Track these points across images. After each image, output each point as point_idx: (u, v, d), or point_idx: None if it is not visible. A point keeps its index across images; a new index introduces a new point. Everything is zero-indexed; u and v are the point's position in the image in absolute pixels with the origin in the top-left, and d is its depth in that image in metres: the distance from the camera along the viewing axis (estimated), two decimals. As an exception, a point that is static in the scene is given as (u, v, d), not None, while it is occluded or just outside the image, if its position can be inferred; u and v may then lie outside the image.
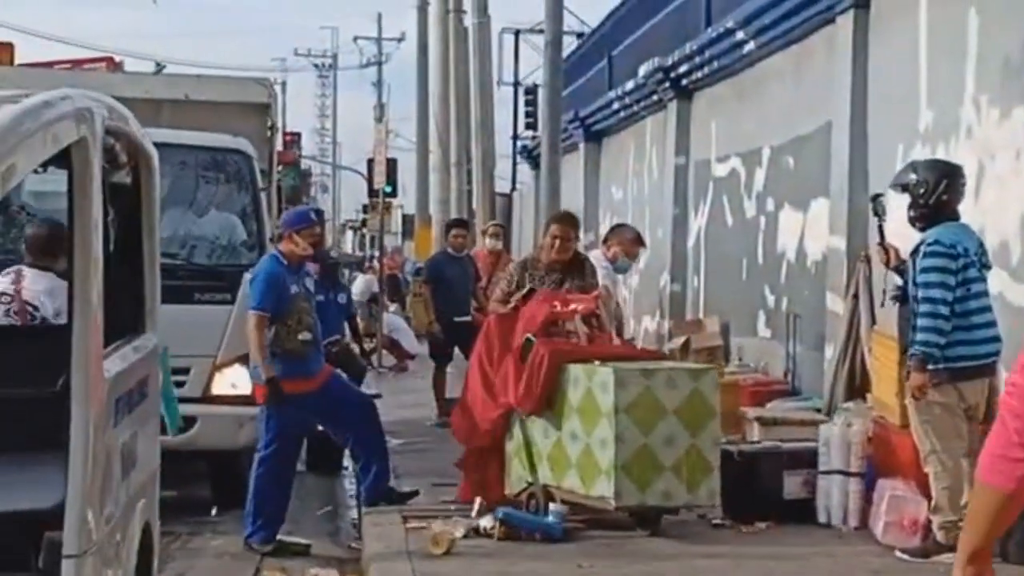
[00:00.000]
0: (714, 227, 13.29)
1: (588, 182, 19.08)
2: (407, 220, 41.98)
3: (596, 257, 9.26)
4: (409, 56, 30.67)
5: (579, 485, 6.99)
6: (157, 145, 4.74)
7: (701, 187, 13.70)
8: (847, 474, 7.31)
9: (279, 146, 14.71)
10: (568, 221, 8.10)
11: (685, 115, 14.16)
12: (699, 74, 13.41)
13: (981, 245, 6.58)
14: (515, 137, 38.10)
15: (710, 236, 13.45)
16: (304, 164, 43.61)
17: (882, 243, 6.98)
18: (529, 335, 7.32)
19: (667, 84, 14.23)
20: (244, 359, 7.96)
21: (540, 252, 8.02)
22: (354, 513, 8.96)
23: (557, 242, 7.77)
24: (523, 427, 7.40)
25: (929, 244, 6.37)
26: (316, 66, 63.83)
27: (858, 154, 9.40)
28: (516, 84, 38.96)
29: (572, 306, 7.46)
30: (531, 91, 34.27)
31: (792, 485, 7.53)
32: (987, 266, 6.54)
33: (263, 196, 8.89)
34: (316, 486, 9.89)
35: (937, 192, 6.44)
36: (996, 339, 6.46)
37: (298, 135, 39.89)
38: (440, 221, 21.81)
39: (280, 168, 17.47)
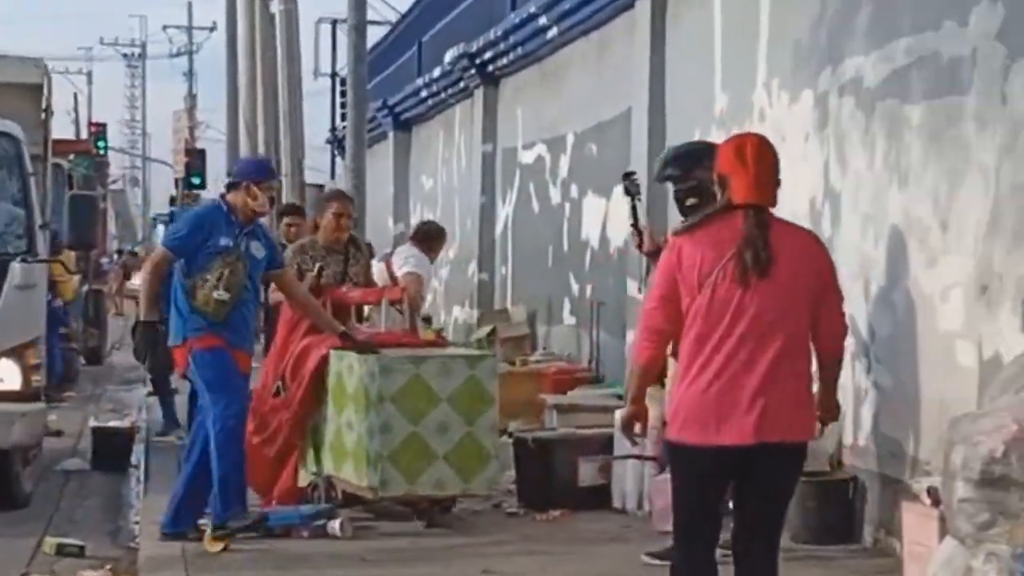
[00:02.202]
0: (521, 215, 13.19)
1: (398, 171, 18.84)
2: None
3: (406, 251, 9.03)
4: (221, 46, 29.95)
5: (352, 475, 6.78)
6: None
7: (508, 175, 13.59)
8: (642, 459, 7.24)
9: (70, 134, 14.01)
10: (347, 198, 7.87)
11: (492, 102, 14.04)
12: (504, 60, 13.29)
13: None
14: (333, 129, 37.60)
15: (517, 224, 13.35)
16: (111, 156, 42.25)
17: (635, 225, 6.51)
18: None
19: (473, 71, 14.08)
20: (12, 352, 7.48)
21: (318, 234, 7.76)
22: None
23: (340, 220, 7.52)
24: (312, 417, 7.17)
25: None
26: (125, 55, 62.12)
27: (656, 140, 9.37)
28: (333, 75, 38.44)
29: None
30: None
31: (587, 472, 7.44)
32: None
33: (33, 182, 8.37)
34: (101, 484, 9.44)
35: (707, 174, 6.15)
36: None
37: (104, 126, 38.54)
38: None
39: (72, 157, 16.76)
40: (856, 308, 6.76)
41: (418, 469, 6.66)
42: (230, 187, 6.71)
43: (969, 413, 5.05)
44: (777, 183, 4.33)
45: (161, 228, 49.26)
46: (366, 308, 8.18)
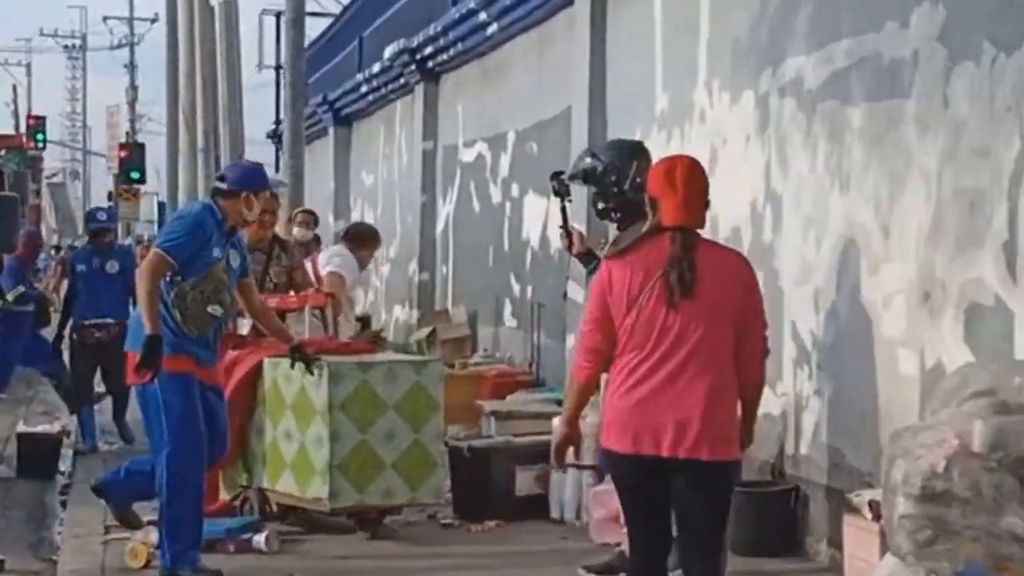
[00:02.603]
0: (462, 214, 12.99)
1: (338, 167, 18.57)
2: (163, 207, 40.60)
3: (335, 250, 8.80)
4: (162, 37, 29.49)
5: (294, 487, 6.56)
6: None
7: (449, 172, 13.39)
8: (580, 467, 7.08)
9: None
10: (272, 195, 7.57)
11: (432, 98, 13.82)
12: (444, 56, 13.08)
13: None
14: (278, 122, 37.12)
15: (458, 223, 13.15)
16: (49, 150, 41.64)
17: (564, 226, 6.15)
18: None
19: (413, 66, 13.85)
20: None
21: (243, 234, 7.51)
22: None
23: (264, 217, 7.24)
24: (238, 428, 6.94)
25: None
26: (66, 47, 61.29)
27: (597, 139, 9.18)
28: (278, 68, 37.96)
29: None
30: (291, 75, 33.45)
31: (524, 481, 7.28)
32: None
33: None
34: (26, 493, 9.14)
35: (630, 175, 5.67)
36: None
37: (43, 119, 37.96)
38: (189, 209, 20.85)
39: (3, 152, 16.36)
40: (797, 314, 6.65)
41: (367, 479, 6.47)
42: (226, 194, 6.09)
43: (910, 426, 4.94)
44: (706, 205, 4.42)
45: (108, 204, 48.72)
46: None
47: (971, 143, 5.38)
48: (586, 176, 5.82)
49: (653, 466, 4.25)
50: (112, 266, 10.23)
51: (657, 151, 8.45)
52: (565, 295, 9.52)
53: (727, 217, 7.40)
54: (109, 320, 9.96)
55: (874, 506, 5.28)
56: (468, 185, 12.73)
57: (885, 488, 4.81)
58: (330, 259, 8.44)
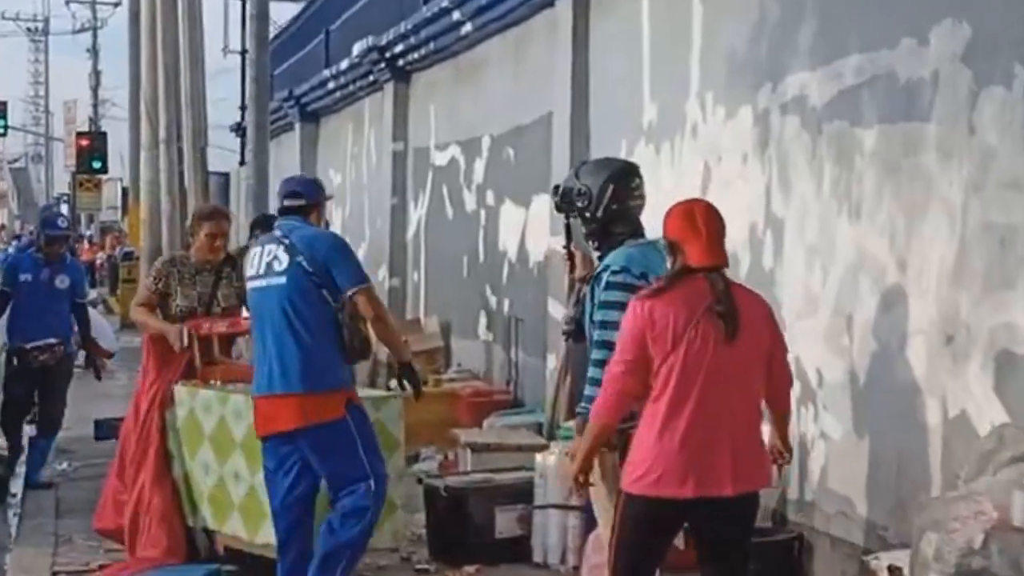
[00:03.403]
0: (434, 219, 12.47)
1: (305, 165, 17.99)
2: (127, 195, 39.88)
3: None
4: (126, 21, 28.88)
5: (243, 530, 6.07)
6: None
7: (420, 176, 12.86)
8: (566, 509, 6.60)
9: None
10: (222, 215, 7.03)
11: (403, 98, 13.28)
12: (416, 55, 12.54)
13: None
14: (243, 108, 36.36)
15: (430, 229, 12.63)
16: (12, 134, 40.83)
17: (568, 246, 5.28)
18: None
19: (383, 64, 13.31)
20: None
21: (192, 250, 6.97)
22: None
23: (214, 241, 6.74)
24: (182, 463, 6.47)
25: (613, 272, 4.80)
26: (28, 30, 60.27)
27: (579, 148, 8.71)
28: (243, 52, 37.20)
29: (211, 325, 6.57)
30: (257, 61, 32.73)
31: (505, 522, 6.77)
32: None
33: None
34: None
35: (603, 201, 4.93)
36: None
37: (3, 104, 37.16)
38: (151, 204, 20.28)
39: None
40: (801, 349, 6.18)
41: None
42: (308, 209, 5.60)
43: (942, 496, 4.49)
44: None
45: (65, 208, 47.50)
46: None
47: (1001, 175, 4.91)
48: (562, 197, 5.14)
49: (700, 504, 4.28)
50: (63, 281, 8.95)
51: (646, 164, 7.97)
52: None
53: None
54: (52, 340, 8.80)
55: (896, 573, 4.82)
56: (440, 189, 12.21)
57: (914, 562, 4.36)
58: None
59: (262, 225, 8.11)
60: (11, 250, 10.28)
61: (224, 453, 6.24)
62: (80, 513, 7.75)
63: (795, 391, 6.23)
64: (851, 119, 5.85)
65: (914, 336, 5.38)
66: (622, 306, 4.60)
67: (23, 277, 8.93)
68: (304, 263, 5.37)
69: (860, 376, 5.76)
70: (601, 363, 4.65)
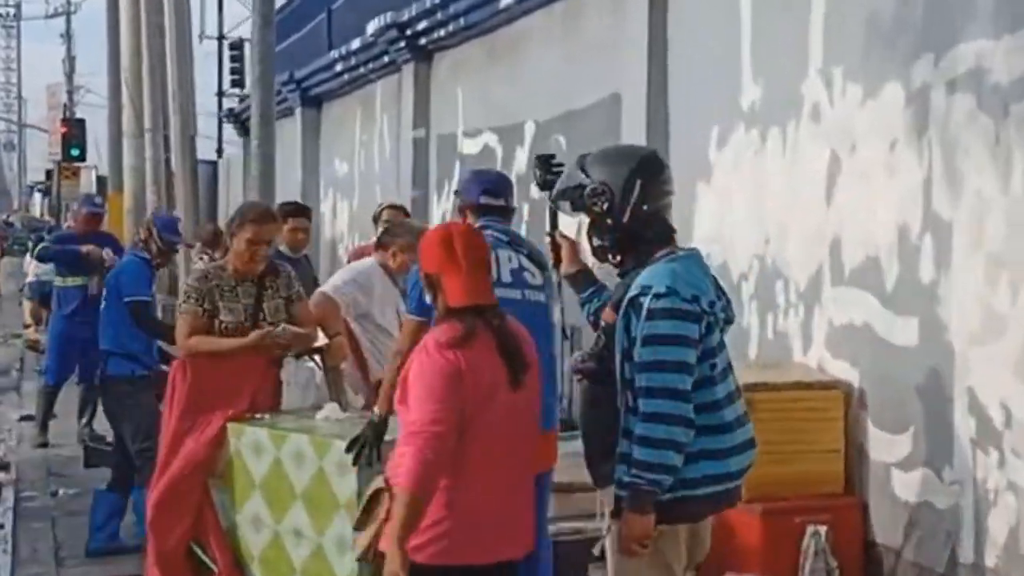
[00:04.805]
0: (462, 213, 11.28)
1: (307, 153, 16.76)
2: (102, 182, 38.57)
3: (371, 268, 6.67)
4: (101, 6, 27.72)
5: None
6: None
7: (446, 165, 11.67)
8: None
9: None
10: (271, 219, 5.71)
11: (424, 80, 12.07)
12: (442, 32, 11.32)
13: (719, 288, 3.87)
14: (220, 94, 35.06)
15: (457, 223, 11.44)
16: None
17: (552, 233, 4.38)
18: None
19: (402, 43, 12.09)
20: None
21: (228, 259, 5.68)
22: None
23: (256, 249, 5.49)
24: (227, 516, 5.29)
25: (657, 296, 3.63)
26: (0, 16, 58.97)
27: (657, 136, 7.53)
28: (221, 38, 35.90)
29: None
30: (237, 46, 31.53)
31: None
32: (730, 321, 3.83)
33: None
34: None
35: (630, 202, 3.79)
36: (752, 443, 3.82)
37: (-25, 91, 35.88)
38: (135, 191, 19.11)
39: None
40: (978, 380, 5.06)
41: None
42: (509, 213, 5.14)
43: None
44: None
45: (38, 196, 45.80)
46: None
47: None
48: (571, 197, 3.93)
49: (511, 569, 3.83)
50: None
51: (747, 153, 6.87)
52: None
53: (856, 243, 5.79)
54: (165, 368, 7.18)
55: None
56: (470, 181, 11.02)
57: None
58: (338, 276, 6.63)
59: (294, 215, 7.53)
60: (128, 249, 8.54)
61: (280, 506, 5.06)
62: (83, 561, 6.78)
63: (968, 432, 5.11)
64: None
65: None
66: (675, 340, 3.60)
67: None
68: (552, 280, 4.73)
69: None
70: (654, 417, 3.58)
